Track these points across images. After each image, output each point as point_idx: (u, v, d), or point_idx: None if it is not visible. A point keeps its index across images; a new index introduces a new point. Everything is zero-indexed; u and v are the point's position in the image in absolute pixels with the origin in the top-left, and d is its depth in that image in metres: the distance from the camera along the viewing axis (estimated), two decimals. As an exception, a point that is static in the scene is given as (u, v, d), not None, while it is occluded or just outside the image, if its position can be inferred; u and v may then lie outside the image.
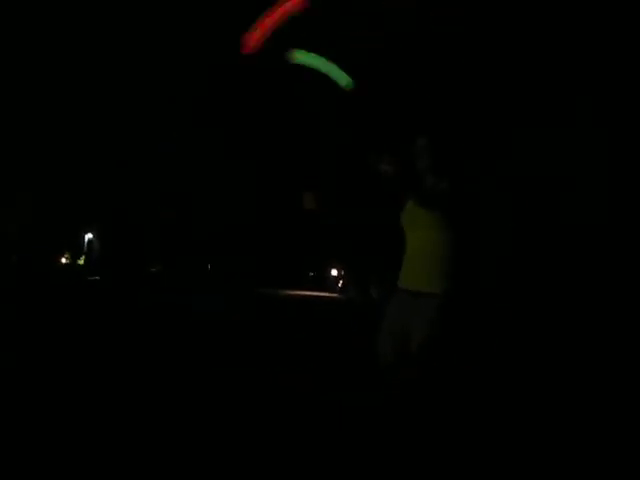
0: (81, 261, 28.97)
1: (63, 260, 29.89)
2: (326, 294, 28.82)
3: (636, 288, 9.64)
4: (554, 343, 6.55)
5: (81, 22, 13.06)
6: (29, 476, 2.11)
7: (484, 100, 12.73)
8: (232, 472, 2.32)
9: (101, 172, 17.38)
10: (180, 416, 3.03)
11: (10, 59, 12.58)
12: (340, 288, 31.74)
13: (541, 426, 3.37)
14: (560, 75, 12.03)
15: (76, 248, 28.58)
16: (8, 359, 4.16)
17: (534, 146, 12.32)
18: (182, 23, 13.04)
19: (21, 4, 12.66)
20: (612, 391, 4.45)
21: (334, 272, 37.97)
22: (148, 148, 17.18)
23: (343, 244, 26.72)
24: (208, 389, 3.70)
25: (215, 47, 13.49)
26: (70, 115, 14.58)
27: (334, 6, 13.13)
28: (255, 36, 4.31)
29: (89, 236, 29.02)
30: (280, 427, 2.95)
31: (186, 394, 3.54)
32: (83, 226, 26.14)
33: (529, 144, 12.41)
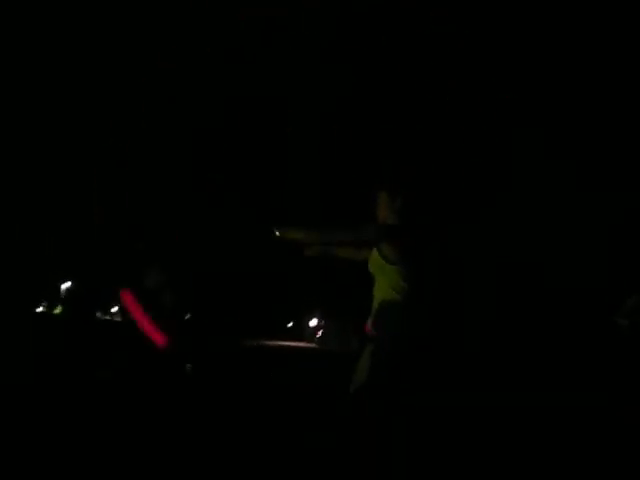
0: (57, 310, 28.93)
1: (40, 309, 30.25)
2: (305, 344, 29.25)
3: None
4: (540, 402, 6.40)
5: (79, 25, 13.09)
6: None
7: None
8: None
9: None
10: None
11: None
12: (319, 338, 32.09)
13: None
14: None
15: (52, 297, 28.76)
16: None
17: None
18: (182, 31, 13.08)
19: (21, 5, 12.67)
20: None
21: (313, 322, 38.48)
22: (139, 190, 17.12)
23: (323, 294, 26.84)
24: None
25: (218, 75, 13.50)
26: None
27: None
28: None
29: (67, 285, 29.13)
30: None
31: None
32: (59, 275, 26.27)
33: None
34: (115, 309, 35.64)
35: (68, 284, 28.46)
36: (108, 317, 32.64)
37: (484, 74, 12.93)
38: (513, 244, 12.88)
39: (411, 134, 13.35)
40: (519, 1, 12.51)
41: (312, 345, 29.40)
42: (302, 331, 39.64)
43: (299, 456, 3.15)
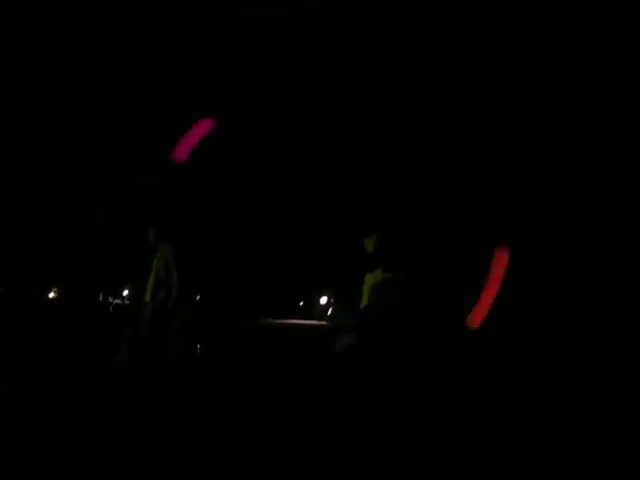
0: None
1: (51, 295, 30.71)
2: (315, 322, 29.61)
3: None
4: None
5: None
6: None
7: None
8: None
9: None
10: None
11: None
12: (329, 316, 32.65)
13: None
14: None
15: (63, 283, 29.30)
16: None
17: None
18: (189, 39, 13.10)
19: (21, 5, 12.67)
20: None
21: (323, 300, 39.23)
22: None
23: (333, 271, 27.28)
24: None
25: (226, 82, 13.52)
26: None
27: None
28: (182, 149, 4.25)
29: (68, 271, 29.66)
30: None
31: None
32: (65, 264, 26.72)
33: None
34: (126, 292, 36.21)
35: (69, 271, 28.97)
36: (119, 301, 33.19)
37: (484, 74, 12.94)
38: (514, 244, 12.84)
39: (411, 134, 13.36)
40: (519, 1, 12.52)
41: (323, 322, 29.81)
42: (313, 309, 40.32)
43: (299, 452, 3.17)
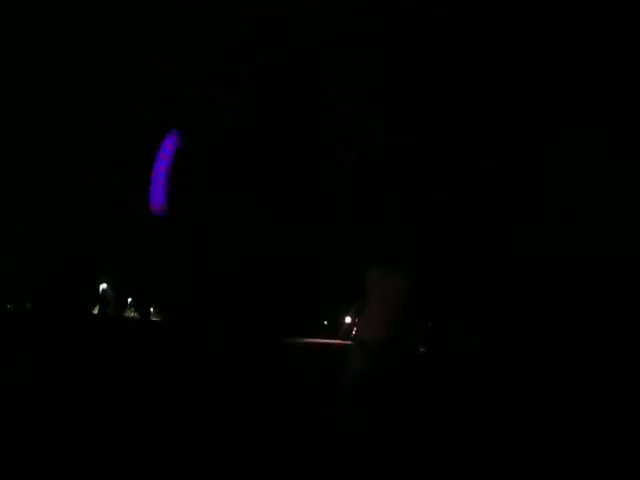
0: (95, 311, 29.06)
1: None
2: (340, 342, 29.79)
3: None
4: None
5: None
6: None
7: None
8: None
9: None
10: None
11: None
12: (354, 336, 32.30)
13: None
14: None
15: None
16: None
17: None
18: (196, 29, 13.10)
19: (21, 5, 12.66)
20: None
21: (347, 320, 39.45)
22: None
23: (357, 292, 26.95)
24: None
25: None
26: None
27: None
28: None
29: (103, 286, 29.33)
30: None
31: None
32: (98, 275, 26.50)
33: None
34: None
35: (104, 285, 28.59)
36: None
37: (484, 74, 12.93)
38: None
39: (411, 133, 13.35)
40: (520, 1, 12.50)
41: (347, 342, 29.89)
42: (337, 328, 40.59)
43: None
